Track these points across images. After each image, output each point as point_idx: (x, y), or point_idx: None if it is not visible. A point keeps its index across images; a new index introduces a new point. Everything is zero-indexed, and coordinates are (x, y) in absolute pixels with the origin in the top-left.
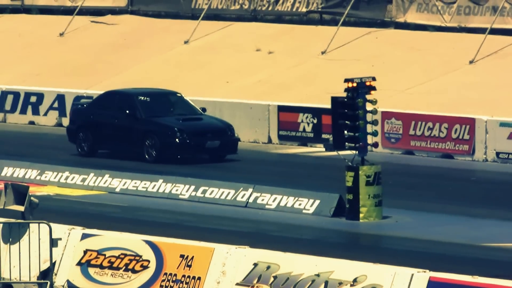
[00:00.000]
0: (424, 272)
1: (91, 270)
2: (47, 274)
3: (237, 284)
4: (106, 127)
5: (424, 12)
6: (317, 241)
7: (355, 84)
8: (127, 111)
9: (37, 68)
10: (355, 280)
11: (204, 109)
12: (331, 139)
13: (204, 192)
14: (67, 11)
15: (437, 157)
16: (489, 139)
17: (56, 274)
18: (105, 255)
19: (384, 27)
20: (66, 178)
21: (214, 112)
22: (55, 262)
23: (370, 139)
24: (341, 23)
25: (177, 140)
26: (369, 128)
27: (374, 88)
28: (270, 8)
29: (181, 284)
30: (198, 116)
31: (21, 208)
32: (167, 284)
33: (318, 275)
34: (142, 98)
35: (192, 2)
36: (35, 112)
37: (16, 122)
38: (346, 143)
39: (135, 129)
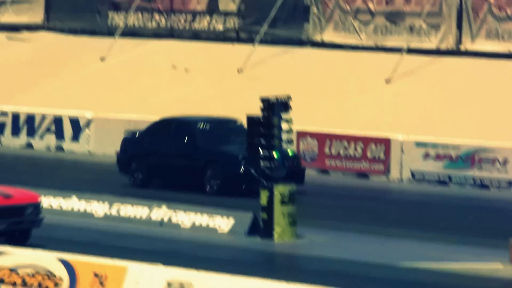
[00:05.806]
0: None
1: None
2: None
3: None
4: (161, 157)
5: (341, 31)
6: (232, 260)
7: (271, 103)
8: (185, 140)
9: None
10: None
11: None
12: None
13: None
14: None
15: (352, 177)
16: (405, 159)
17: None
18: (18, 273)
19: (301, 46)
20: None
21: None
22: None
23: None
24: (259, 41)
25: (241, 170)
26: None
27: (290, 107)
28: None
29: None
30: None
31: None
32: None
33: None
34: (202, 125)
35: (108, 19)
36: None
37: None
38: (261, 162)
39: (194, 159)
